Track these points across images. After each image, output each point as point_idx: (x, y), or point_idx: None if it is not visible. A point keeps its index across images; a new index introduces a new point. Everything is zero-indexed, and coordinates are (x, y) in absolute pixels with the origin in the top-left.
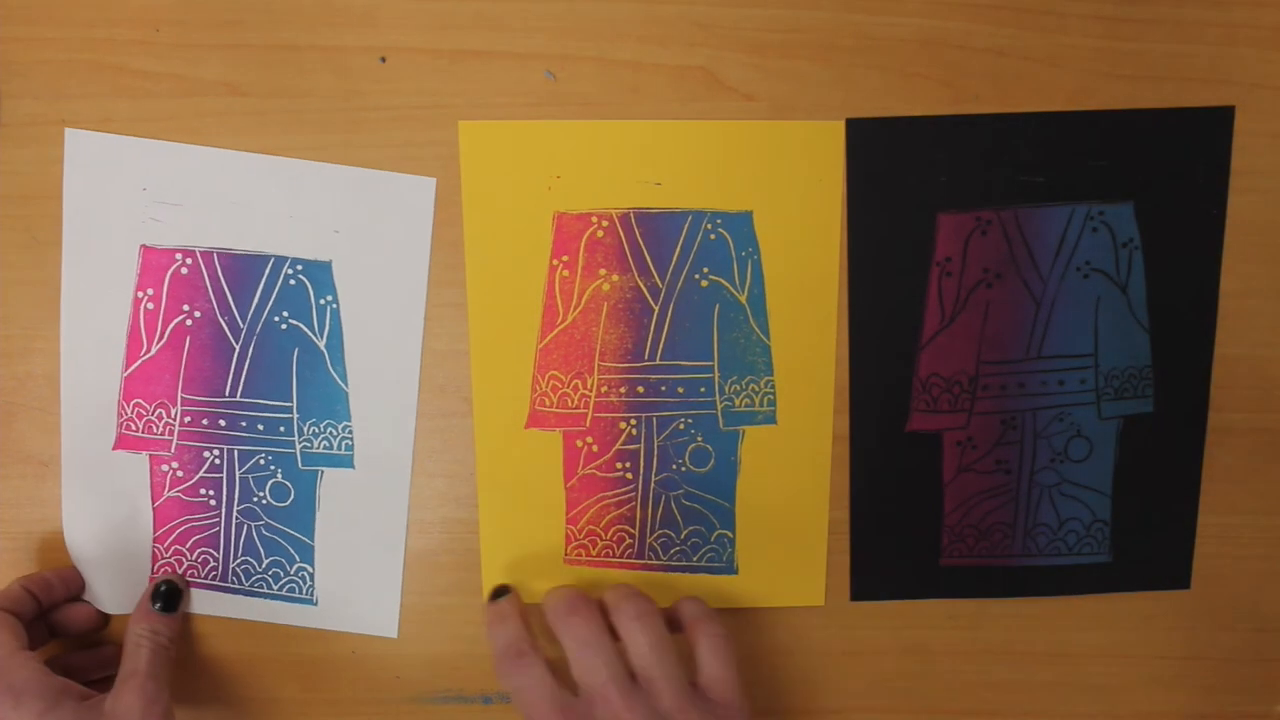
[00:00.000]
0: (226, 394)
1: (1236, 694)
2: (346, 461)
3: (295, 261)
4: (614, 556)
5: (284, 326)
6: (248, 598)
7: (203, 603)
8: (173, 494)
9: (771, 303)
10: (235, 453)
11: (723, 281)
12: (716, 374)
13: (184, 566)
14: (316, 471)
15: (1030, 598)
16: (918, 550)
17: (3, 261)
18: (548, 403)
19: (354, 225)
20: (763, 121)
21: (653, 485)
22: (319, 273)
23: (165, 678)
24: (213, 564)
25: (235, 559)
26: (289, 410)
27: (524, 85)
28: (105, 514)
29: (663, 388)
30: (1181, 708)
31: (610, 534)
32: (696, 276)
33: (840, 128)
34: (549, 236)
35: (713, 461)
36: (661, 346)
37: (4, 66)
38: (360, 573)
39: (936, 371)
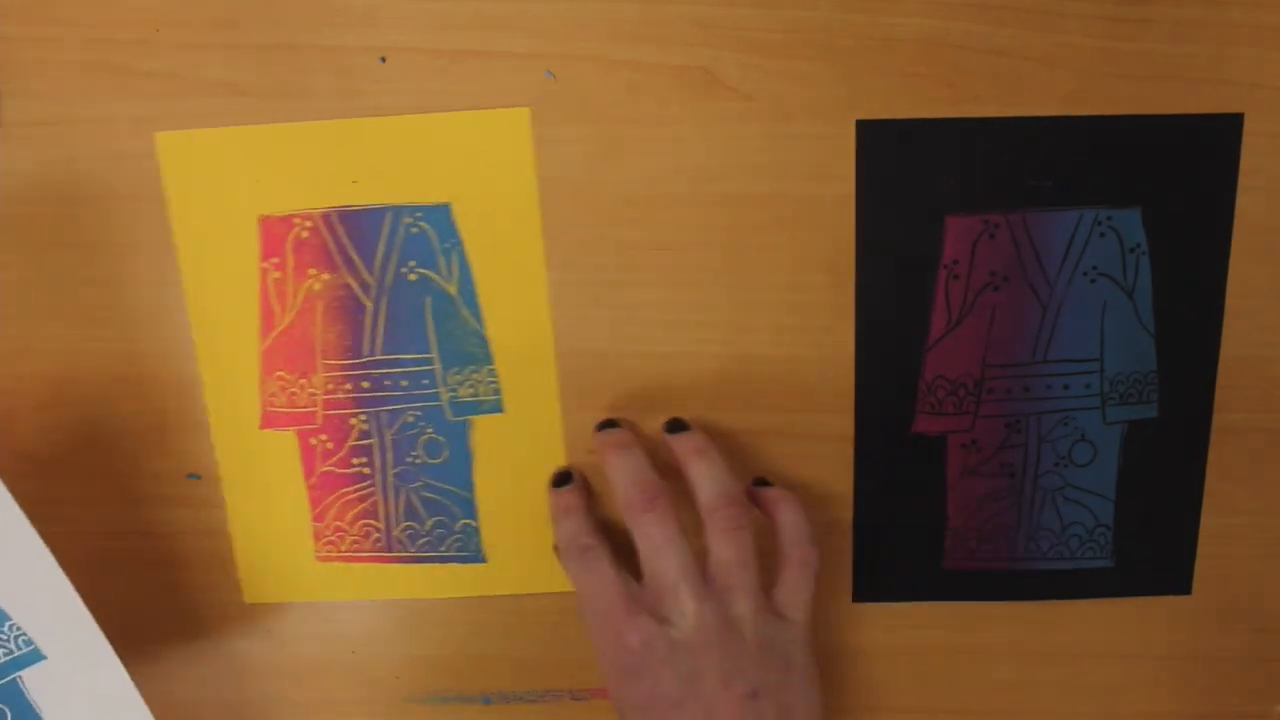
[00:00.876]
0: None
1: (1236, 694)
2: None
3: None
4: (363, 550)
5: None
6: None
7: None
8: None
9: (482, 292)
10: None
11: (430, 274)
12: (438, 365)
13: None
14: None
15: (1031, 601)
16: (920, 552)
17: (2, 261)
18: (278, 403)
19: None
20: (451, 113)
21: (391, 479)
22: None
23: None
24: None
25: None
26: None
27: (524, 85)
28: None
29: (386, 382)
30: (1181, 708)
31: (356, 529)
32: (404, 270)
33: (525, 115)
34: (256, 240)
35: (446, 452)
36: (380, 342)
37: (4, 66)
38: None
39: (942, 374)
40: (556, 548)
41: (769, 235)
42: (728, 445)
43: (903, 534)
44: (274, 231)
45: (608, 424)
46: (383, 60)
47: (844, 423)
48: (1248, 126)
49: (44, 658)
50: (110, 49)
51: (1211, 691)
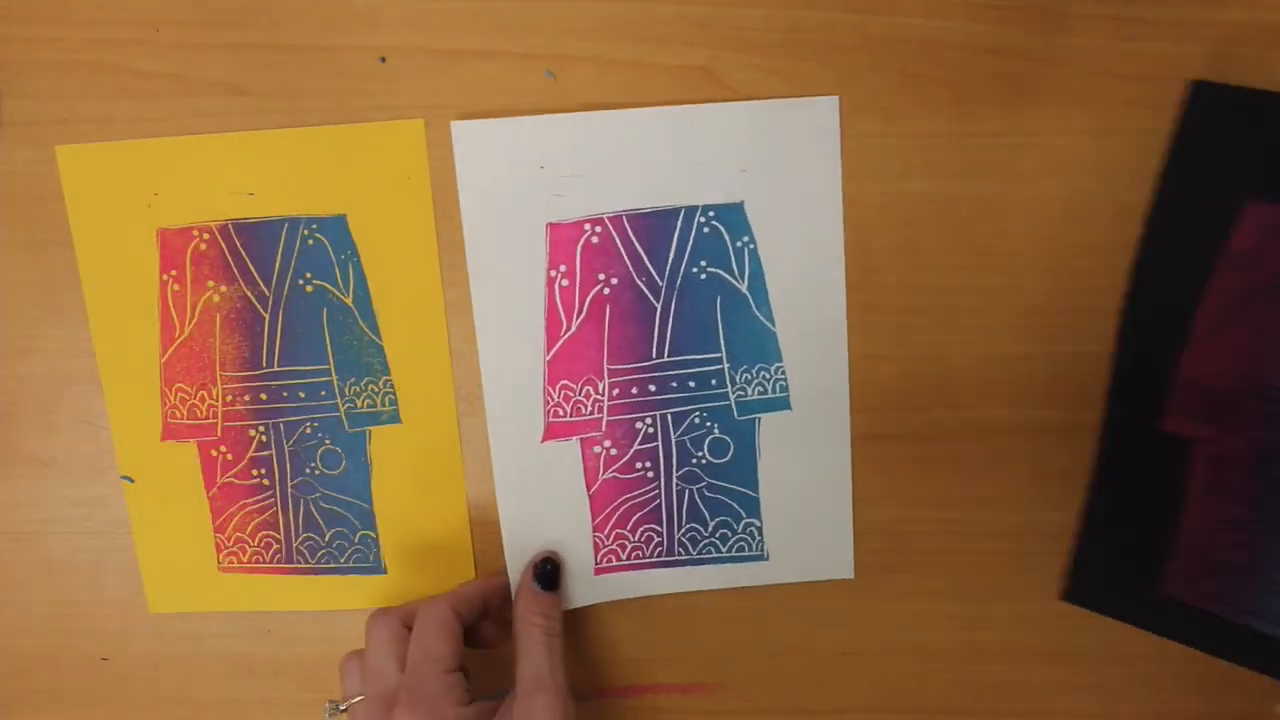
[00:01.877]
0: (654, 357)
1: (1236, 694)
2: (783, 404)
3: (707, 208)
4: (264, 562)
5: (703, 276)
6: (696, 567)
7: (651, 584)
8: (608, 475)
9: (378, 304)
10: (669, 417)
11: (327, 286)
12: (334, 377)
13: (628, 550)
14: (754, 420)
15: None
16: (1132, 570)
17: (3, 261)
18: (179, 415)
19: (761, 160)
20: (347, 125)
21: (290, 490)
22: (732, 215)
23: (566, 680)
24: (657, 540)
25: (680, 529)
26: (719, 361)
27: (524, 85)
28: (540, 512)
29: (284, 393)
30: (1181, 708)
31: (257, 540)
32: (301, 282)
33: (420, 126)
34: (156, 253)
35: (344, 464)
36: (278, 353)
37: (4, 66)
38: (810, 518)
39: (1198, 378)
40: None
41: None
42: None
43: (1121, 545)
44: (173, 244)
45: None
46: (383, 60)
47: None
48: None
49: (790, 409)
50: (110, 49)
51: (1211, 691)
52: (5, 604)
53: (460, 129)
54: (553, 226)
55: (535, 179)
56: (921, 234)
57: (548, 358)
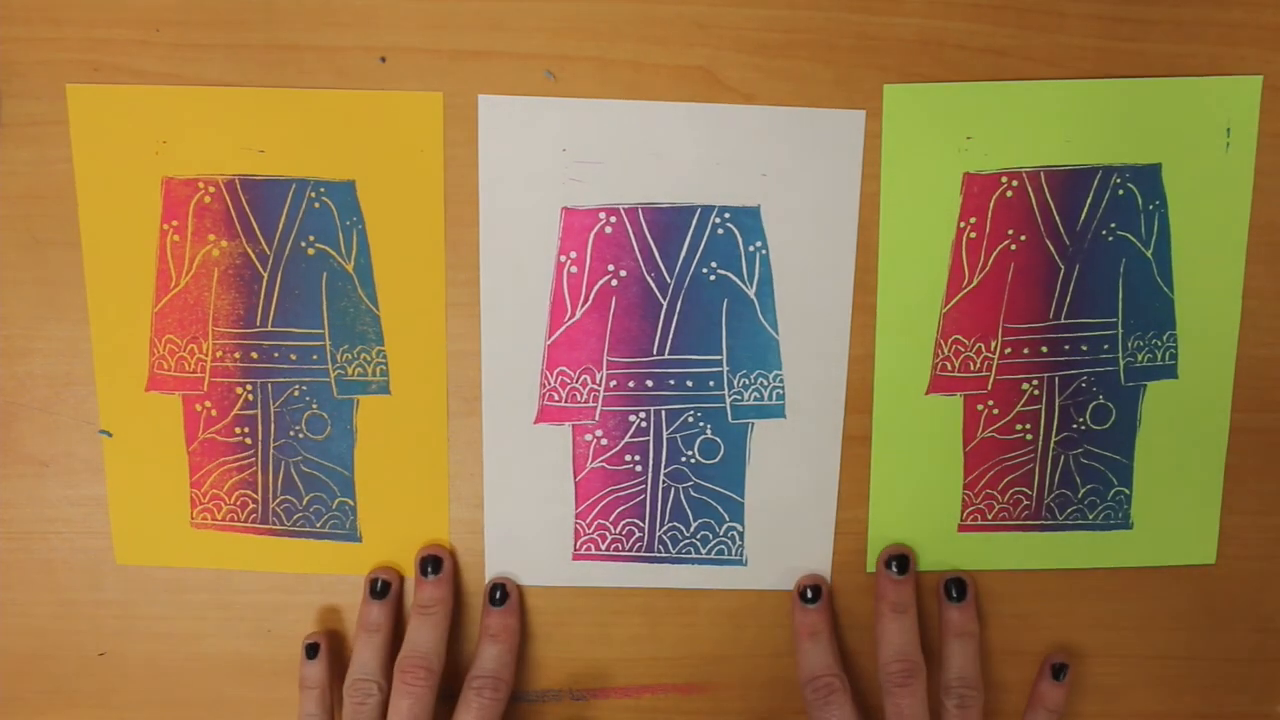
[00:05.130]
0: (654, 353)
1: (1236, 694)
2: (778, 411)
3: (723, 209)
4: (239, 521)
5: (712, 278)
6: (674, 565)
7: (627, 576)
8: (596, 464)
9: (379, 273)
10: (662, 413)
11: (328, 249)
12: (328, 342)
13: (607, 541)
14: (747, 425)
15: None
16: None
17: (3, 261)
18: (166, 366)
19: (782, 166)
20: (364, 91)
21: (272, 451)
22: (748, 219)
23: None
24: (638, 535)
25: (662, 526)
26: (719, 363)
27: (524, 85)
28: (525, 490)
29: (275, 354)
30: (1181, 708)
31: (234, 499)
32: (303, 244)
33: (438, 100)
34: (159, 201)
35: (329, 429)
36: (273, 313)
37: (4, 66)
38: (792, 529)
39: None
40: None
41: None
42: None
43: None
44: (177, 194)
45: (813, 590)
46: (383, 60)
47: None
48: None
49: (784, 417)
50: (110, 49)
51: (1211, 691)
52: (5, 604)
53: (488, 102)
54: (568, 212)
55: (556, 161)
56: None
57: (548, 342)
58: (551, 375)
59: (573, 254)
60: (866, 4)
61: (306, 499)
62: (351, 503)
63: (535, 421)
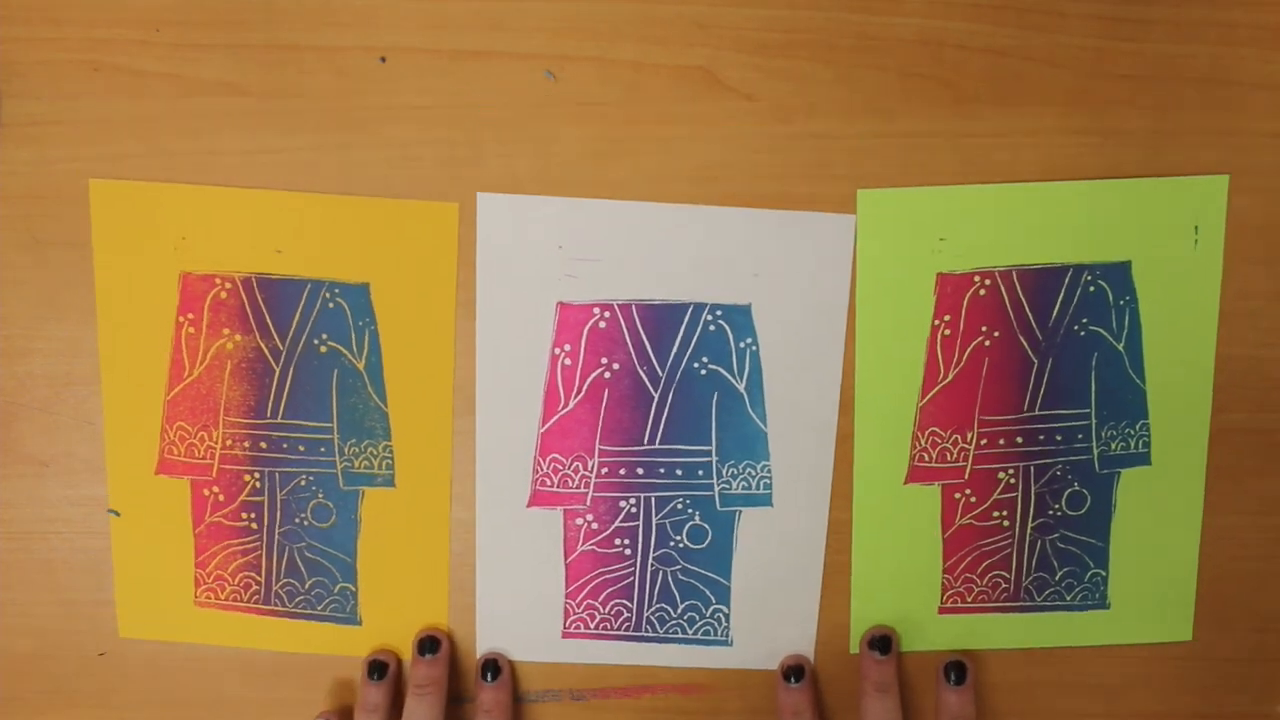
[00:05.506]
0: (645, 442)
1: (1236, 694)
2: (765, 500)
3: (715, 307)
4: (241, 601)
5: (703, 372)
6: (661, 644)
7: (616, 655)
8: (586, 547)
9: (389, 372)
10: (652, 500)
11: (340, 348)
12: (336, 435)
13: (596, 620)
14: (734, 512)
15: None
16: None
17: (3, 261)
18: (176, 452)
19: (773, 267)
20: (381, 199)
21: (277, 536)
22: (739, 316)
23: None
24: (626, 615)
25: (650, 607)
26: (708, 454)
27: (524, 85)
28: (517, 570)
29: (284, 444)
30: (1181, 708)
31: (237, 580)
32: (316, 342)
33: (453, 210)
34: (175, 294)
35: (334, 518)
36: (283, 406)
37: (4, 66)
38: (777, 611)
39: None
40: None
41: None
42: None
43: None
44: (194, 288)
45: (796, 670)
46: (383, 60)
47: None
48: (1245, 125)
49: (771, 506)
50: (110, 49)
51: (1211, 691)
52: (5, 604)
53: (486, 201)
54: (563, 306)
55: (552, 257)
56: None
57: (542, 430)
58: (544, 461)
59: (567, 346)
60: (866, 4)
61: (309, 583)
62: (353, 588)
63: (528, 505)
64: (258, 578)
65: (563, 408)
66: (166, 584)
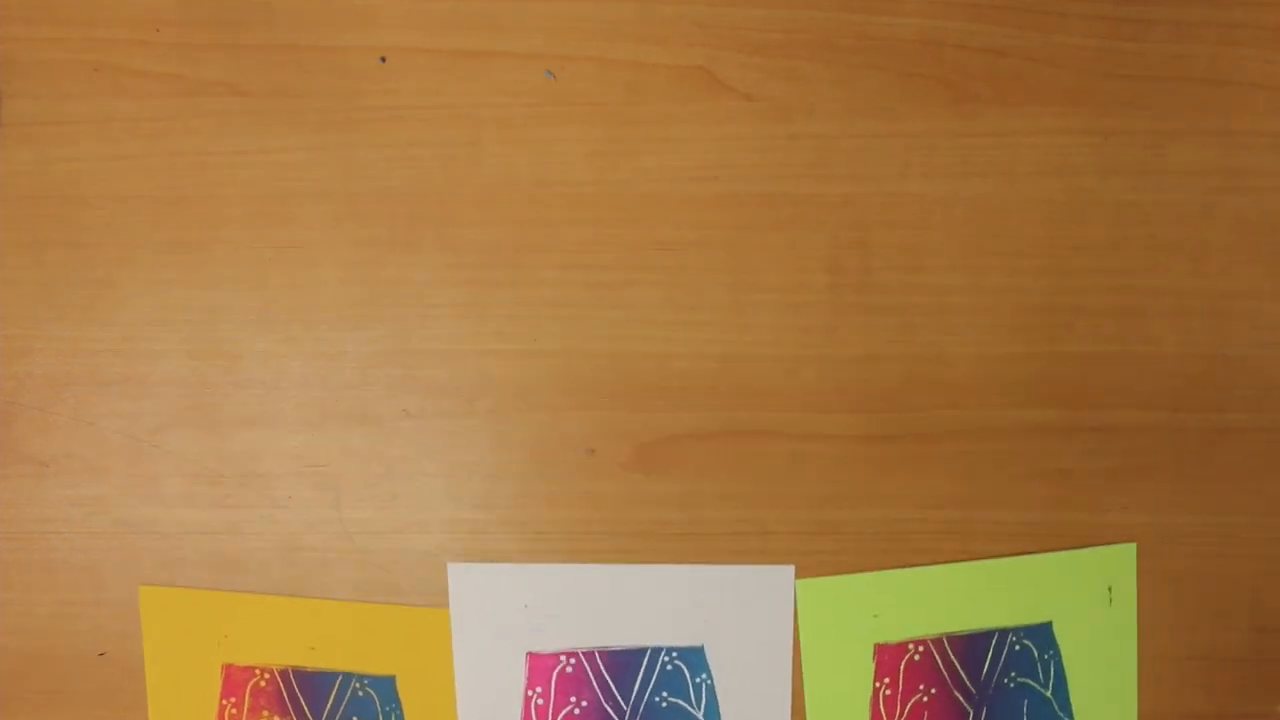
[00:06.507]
0: None
1: (1236, 694)
2: None
3: (670, 649)
4: None
5: (664, 704)
6: None
7: None
8: None
9: None
10: None
11: None
12: None
13: None
14: None
15: None
16: None
17: (3, 261)
18: None
19: (722, 615)
20: (402, 607)
21: None
22: (693, 656)
23: None
24: None
25: None
26: None
27: (524, 85)
28: None
29: None
30: (1181, 708)
31: None
32: None
33: (445, 615)
34: (218, 682)
35: None
36: None
37: (4, 66)
38: None
39: None
40: None
41: (769, 235)
42: (722, 445)
43: None
44: (236, 678)
45: None
46: (383, 60)
47: (841, 422)
48: (1245, 125)
49: None
50: (110, 49)
51: (1211, 691)
52: (5, 604)
53: (456, 570)
54: (532, 656)
55: (519, 614)
56: (921, 234)
57: None
58: None
59: (538, 689)
60: (866, 4)
61: None
62: None
63: None
64: None
65: None
66: None
